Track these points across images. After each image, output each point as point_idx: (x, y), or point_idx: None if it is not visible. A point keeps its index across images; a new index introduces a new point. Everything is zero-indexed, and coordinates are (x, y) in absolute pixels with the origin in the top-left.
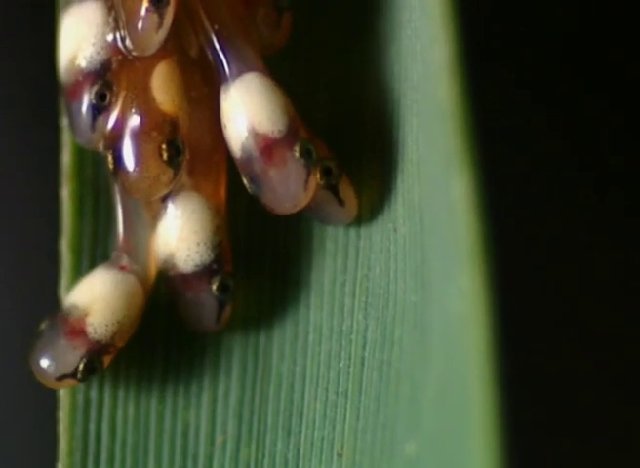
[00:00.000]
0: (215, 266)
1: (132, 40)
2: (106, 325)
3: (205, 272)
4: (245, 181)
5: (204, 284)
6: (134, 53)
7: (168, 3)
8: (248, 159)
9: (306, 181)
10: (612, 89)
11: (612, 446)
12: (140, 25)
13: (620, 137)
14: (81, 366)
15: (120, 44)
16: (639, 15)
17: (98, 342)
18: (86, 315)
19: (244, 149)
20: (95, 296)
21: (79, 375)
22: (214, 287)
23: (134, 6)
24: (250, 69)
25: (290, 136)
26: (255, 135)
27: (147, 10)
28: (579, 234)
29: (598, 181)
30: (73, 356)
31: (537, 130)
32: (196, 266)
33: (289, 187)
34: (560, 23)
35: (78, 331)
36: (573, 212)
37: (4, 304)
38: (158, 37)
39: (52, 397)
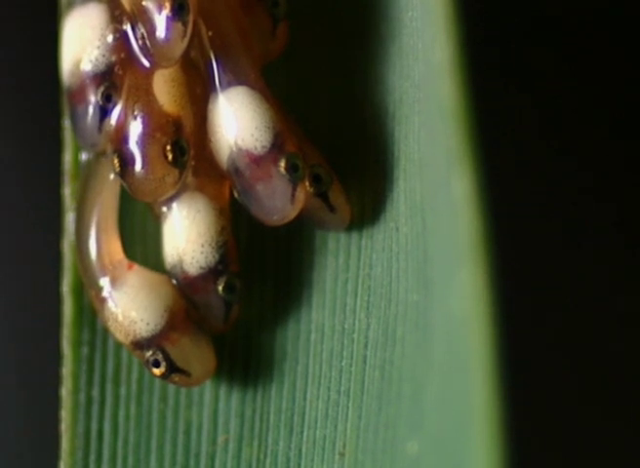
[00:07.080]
0: (220, 267)
1: (156, 51)
2: None
3: (210, 273)
4: (235, 193)
5: (210, 285)
6: (160, 63)
7: (189, 11)
8: (234, 173)
9: (293, 196)
10: (612, 89)
11: (612, 446)
12: (164, 36)
13: (620, 137)
14: None
15: (140, 55)
16: (639, 14)
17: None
18: None
19: (230, 163)
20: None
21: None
22: (220, 287)
23: (154, 17)
24: (239, 82)
25: (274, 151)
26: (239, 150)
27: (170, 19)
28: (579, 233)
29: (598, 180)
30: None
31: (538, 129)
32: (201, 268)
33: (275, 201)
34: (561, 23)
35: None
36: (573, 211)
37: (4, 304)
38: (183, 45)
39: (53, 395)
